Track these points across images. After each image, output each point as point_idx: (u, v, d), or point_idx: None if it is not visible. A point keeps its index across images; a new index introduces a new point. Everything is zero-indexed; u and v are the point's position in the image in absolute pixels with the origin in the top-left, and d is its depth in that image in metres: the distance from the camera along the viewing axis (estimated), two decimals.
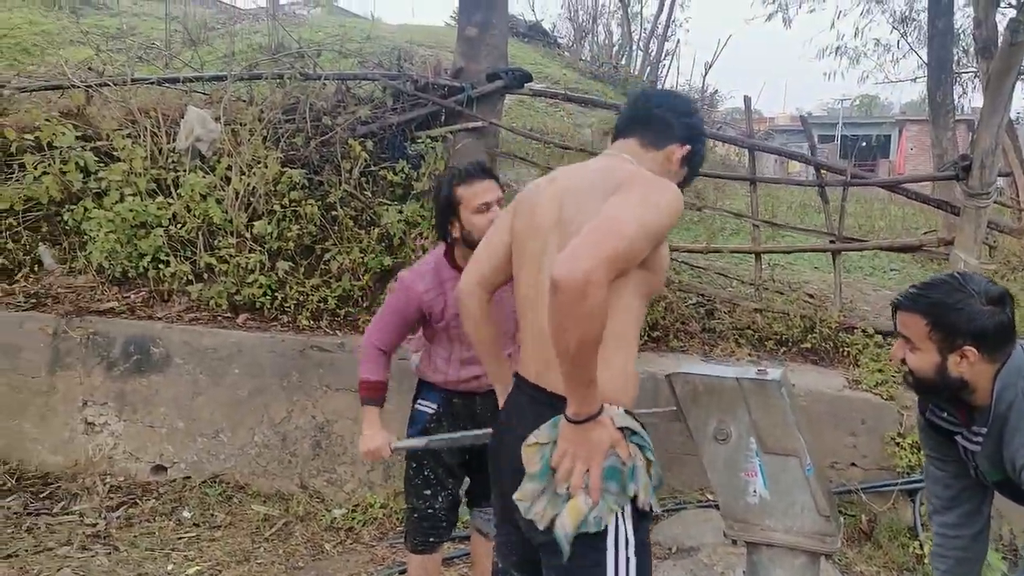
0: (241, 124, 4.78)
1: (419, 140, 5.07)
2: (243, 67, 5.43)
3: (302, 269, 4.63)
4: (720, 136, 6.85)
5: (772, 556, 2.27)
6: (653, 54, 13.01)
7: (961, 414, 1.99)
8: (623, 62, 13.28)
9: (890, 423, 4.20)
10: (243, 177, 4.59)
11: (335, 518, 3.99)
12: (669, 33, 13.93)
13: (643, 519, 1.72)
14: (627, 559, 1.67)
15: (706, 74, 18.25)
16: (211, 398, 4.23)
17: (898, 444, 4.12)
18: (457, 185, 2.51)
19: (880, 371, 4.51)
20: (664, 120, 1.85)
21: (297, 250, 4.66)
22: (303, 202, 4.60)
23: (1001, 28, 6.71)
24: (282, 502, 4.10)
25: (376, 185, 4.95)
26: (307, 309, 4.48)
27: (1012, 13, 8.37)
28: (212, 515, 3.97)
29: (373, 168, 4.92)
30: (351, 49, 5.76)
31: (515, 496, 1.70)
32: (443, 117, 5.25)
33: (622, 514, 1.67)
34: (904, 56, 21.06)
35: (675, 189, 1.68)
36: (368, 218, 4.83)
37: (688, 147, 1.85)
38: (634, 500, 1.68)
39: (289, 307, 4.52)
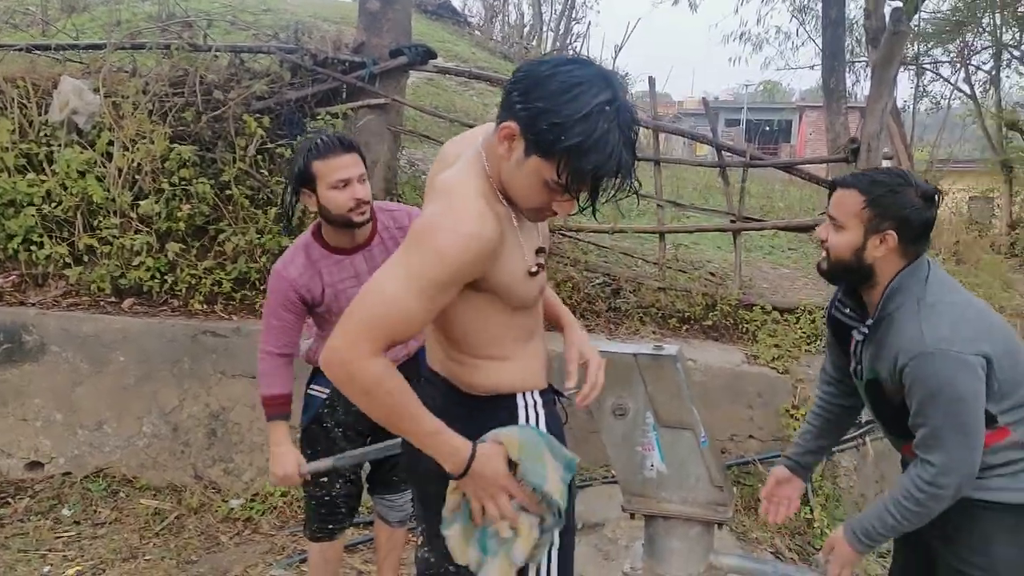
0: (124, 97, 4.48)
1: (319, 117, 4.88)
2: (125, 35, 5.10)
3: (194, 251, 4.40)
4: None
5: (668, 527, 2.31)
6: (564, 35, 13.06)
7: (859, 308, 2.06)
8: (534, 43, 13.27)
9: (784, 396, 4.35)
10: (127, 153, 4.31)
11: (232, 509, 3.83)
12: (579, 15, 14.03)
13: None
14: None
15: (616, 57, 18.46)
16: (93, 388, 3.98)
17: (792, 416, 4.26)
18: (314, 159, 2.35)
19: (777, 346, 4.66)
20: (504, 90, 1.44)
21: (188, 231, 4.42)
22: (194, 180, 4.36)
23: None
24: (174, 495, 3.91)
25: (274, 163, 4.74)
26: (200, 293, 4.26)
27: (899, 4, 8.78)
28: (95, 512, 3.75)
29: (270, 145, 4.71)
30: (246, 21, 5.50)
31: (444, 531, 1.63)
32: (344, 93, 5.08)
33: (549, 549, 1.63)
34: (803, 44, 21.93)
35: (453, 230, 1.37)
36: (265, 197, 4.63)
37: (514, 124, 1.38)
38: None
39: (180, 291, 4.28)
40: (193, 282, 4.29)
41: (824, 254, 2.01)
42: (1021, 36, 16.28)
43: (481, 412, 1.63)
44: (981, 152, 17.28)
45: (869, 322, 1.98)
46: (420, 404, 1.46)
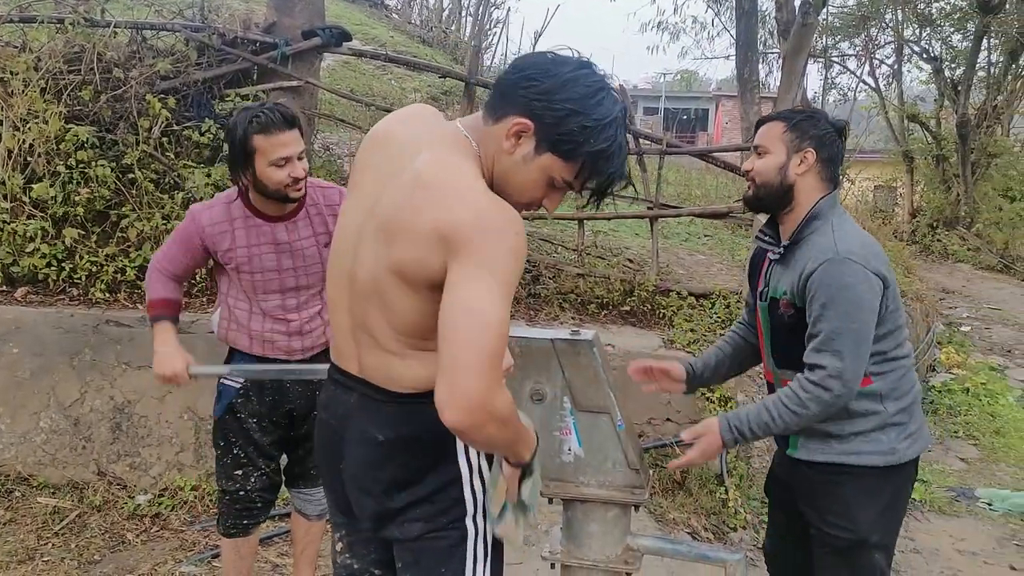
0: (12, 73, 4.20)
1: (228, 98, 4.70)
2: (13, 8, 4.78)
3: (95, 237, 4.18)
4: None
5: (586, 511, 2.31)
6: (483, 20, 12.96)
7: (777, 236, 2.17)
8: (453, 28, 13.14)
9: None
10: (17, 134, 4.06)
11: (139, 505, 3.67)
12: (499, 0, 13.95)
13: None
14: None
15: (536, 43, 18.48)
16: None
17: (708, 399, 4.36)
18: (255, 133, 2.27)
19: (692, 330, 4.77)
20: (507, 82, 1.41)
21: (88, 216, 4.19)
22: (93, 163, 4.14)
23: None
24: (75, 492, 3.71)
25: (180, 146, 4.55)
26: (102, 281, 4.05)
27: None
28: None
29: (176, 127, 4.52)
30: None
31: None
32: (255, 75, 4.91)
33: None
34: (719, 34, 22.45)
35: (505, 228, 1.31)
36: (171, 181, 4.44)
37: (527, 121, 1.36)
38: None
39: (80, 279, 4.07)
40: (94, 270, 4.07)
41: (750, 184, 2.14)
42: (920, 32, 17.08)
43: (418, 408, 1.49)
44: (885, 143, 18.11)
45: (785, 243, 2.10)
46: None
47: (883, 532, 2.11)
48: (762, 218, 2.33)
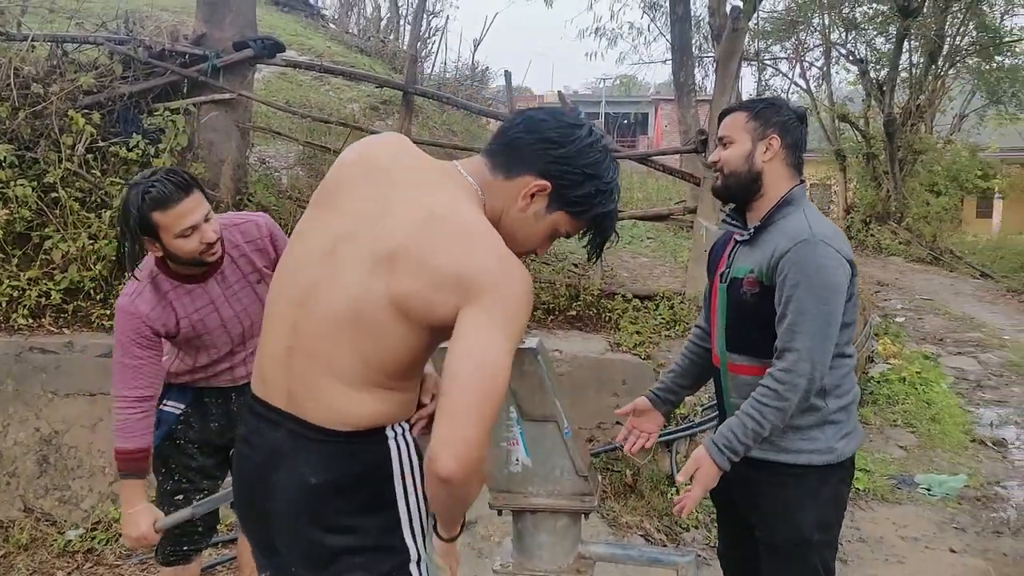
0: None
1: (157, 113, 4.56)
2: None
3: (15, 260, 3.99)
4: (482, 110, 6.91)
5: (536, 521, 2.28)
6: (422, 29, 12.86)
7: (744, 223, 2.19)
8: (391, 37, 13.03)
9: (648, 381, 4.46)
10: None
11: (70, 541, 3.50)
12: (438, 9, 13.90)
13: None
14: None
15: (475, 51, 18.52)
16: None
17: None
18: (151, 210, 2.09)
19: (638, 332, 4.79)
20: (522, 142, 1.46)
21: (8, 238, 4.01)
22: (12, 182, 3.96)
23: None
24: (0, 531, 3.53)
25: (107, 163, 4.39)
26: (24, 306, 3.87)
27: (739, 3, 9.25)
28: None
29: (102, 144, 4.36)
30: (69, 8, 5.05)
31: None
32: (185, 88, 4.76)
33: None
34: (655, 39, 22.79)
35: (524, 282, 1.33)
36: (99, 200, 4.28)
37: (546, 183, 1.44)
38: None
39: (0, 305, 3.88)
40: (16, 295, 3.89)
41: (718, 175, 2.16)
42: (846, 35, 17.63)
43: (358, 449, 1.44)
44: (819, 143, 18.62)
45: (756, 224, 2.11)
46: None
47: (825, 530, 2.12)
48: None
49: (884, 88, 16.34)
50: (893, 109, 16.16)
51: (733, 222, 2.22)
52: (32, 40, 4.47)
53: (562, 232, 1.51)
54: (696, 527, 4.02)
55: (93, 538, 3.53)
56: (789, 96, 20.30)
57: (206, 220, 2.19)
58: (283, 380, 1.46)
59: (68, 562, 3.41)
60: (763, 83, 19.43)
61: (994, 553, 4.00)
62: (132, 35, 4.70)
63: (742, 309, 2.09)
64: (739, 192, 2.15)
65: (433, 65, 12.77)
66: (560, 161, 1.44)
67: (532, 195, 1.45)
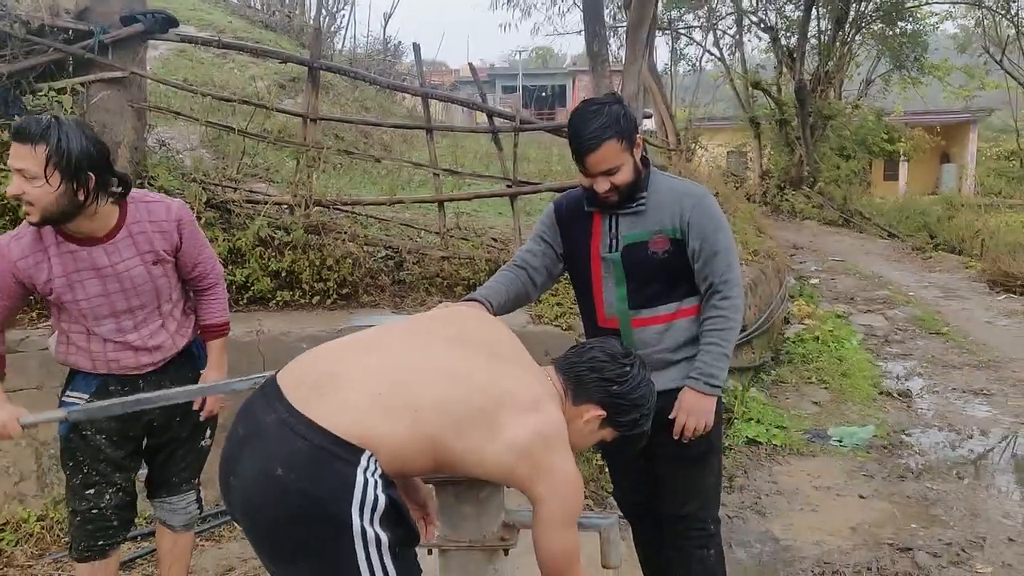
0: None
1: (41, 93, 4.29)
2: None
3: None
4: (393, 84, 6.78)
5: (457, 493, 2.27)
6: (330, 3, 12.53)
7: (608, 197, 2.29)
8: (296, 12, 12.62)
9: None
10: None
11: None
12: None
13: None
14: None
15: (386, 25, 18.24)
16: None
17: None
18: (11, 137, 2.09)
19: (559, 304, 4.81)
20: (586, 379, 1.87)
21: None
22: None
23: None
24: None
25: None
26: None
27: None
28: None
29: None
30: None
31: None
32: (71, 66, 4.49)
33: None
34: (569, 10, 22.76)
35: (575, 481, 1.72)
36: None
37: (603, 412, 1.86)
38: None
39: None
40: None
41: (609, 195, 2.25)
42: (757, 3, 18.00)
43: (331, 460, 1.51)
44: (734, 110, 19.03)
45: (642, 197, 2.29)
46: None
47: (719, 437, 2.50)
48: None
49: (795, 55, 16.80)
50: (804, 76, 16.64)
51: (597, 201, 2.31)
52: None
53: (607, 439, 1.91)
54: None
55: (1, 539, 3.36)
56: (703, 65, 20.65)
57: (24, 176, 2.07)
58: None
59: None
60: (677, 52, 19.69)
61: (899, 496, 4.21)
62: (6, 9, 4.39)
63: (648, 268, 2.31)
64: (634, 194, 2.29)
65: (343, 40, 12.48)
66: (616, 396, 1.86)
67: (592, 420, 1.86)
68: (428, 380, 1.63)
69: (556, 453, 1.70)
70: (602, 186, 2.23)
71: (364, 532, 1.51)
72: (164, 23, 4.64)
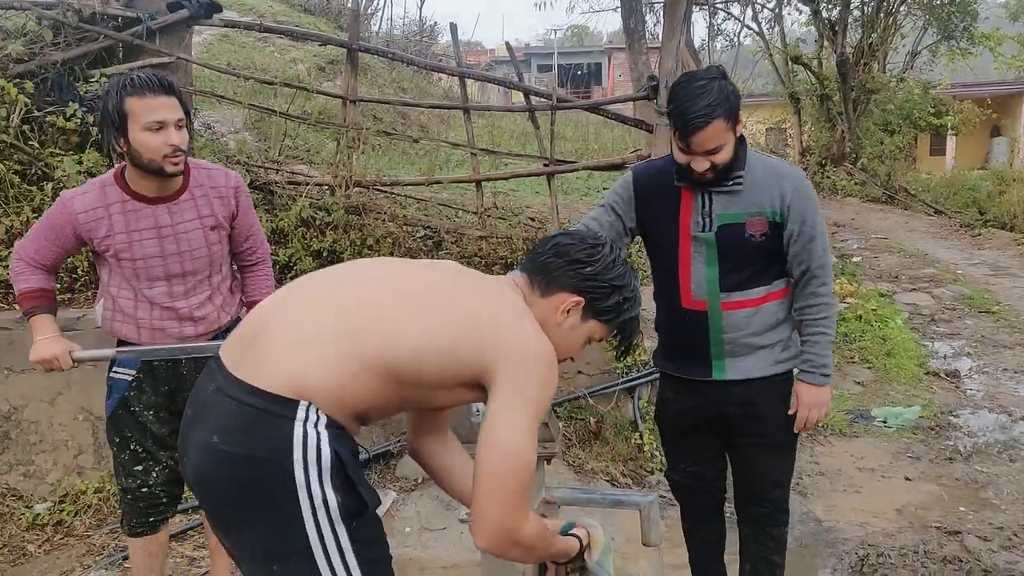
0: None
1: (93, 79, 4.42)
2: None
3: None
4: (430, 65, 6.81)
5: None
6: None
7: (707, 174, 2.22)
8: None
9: None
10: None
11: (38, 514, 3.48)
12: None
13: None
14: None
15: (422, 6, 18.19)
16: None
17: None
18: (128, 96, 2.15)
19: None
20: (554, 265, 1.64)
21: None
22: None
23: None
24: None
25: (44, 133, 4.26)
26: None
27: None
28: None
29: (38, 114, 4.22)
30: None
31: None
32: (121, 53, 4.61)
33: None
34: None
35: (550, 358, 1.49)
36: (39, 171, 4.16)
37: (580, 298, 1.61)
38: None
39: None
40: None
41: (706, 173, 2.18)
42: None
43: (266, 418, 1.39)
44: (773, 86, 18.64)
45: (739, 176, 2.22)
46: (548, 530, 1.61)
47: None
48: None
49: (836, 28, 16.37)
50: (846, 49, 16.22)
51: (691, 177, 2.23)
52: None
53: (595, 337, 1.69)
54: (661, 470, 4.11)
55: (62, 510, 3.51)
56: (741, 40, 20.28)
57: (177, 126, 2.22)
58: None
59: (38, 535, 3.39)
60: (714, 27, 19.36)
61: (947, 478, 4.16)
62: None
63: (744, 250, 2.24)
64: (727, 173, 2.22)
65: (380, 22, 12.52)
66: (590, 278, 1.63)
67: (568, 310, 1.62)
68: (353, 305, 1.46)
69: (521, 319, 1.52)
70: (701, 165, 2.16)
71: (310, 489, 1.37)
72: (209, 9, 4.73)
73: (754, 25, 19.16)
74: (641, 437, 4.24)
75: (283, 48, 8.59)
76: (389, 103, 6.62)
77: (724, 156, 2.16)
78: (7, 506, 3.53)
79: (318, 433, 1.38)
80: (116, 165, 2.34)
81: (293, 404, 1.37)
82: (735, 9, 19.54)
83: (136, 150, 2.19)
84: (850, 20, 16.69)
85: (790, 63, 17.98)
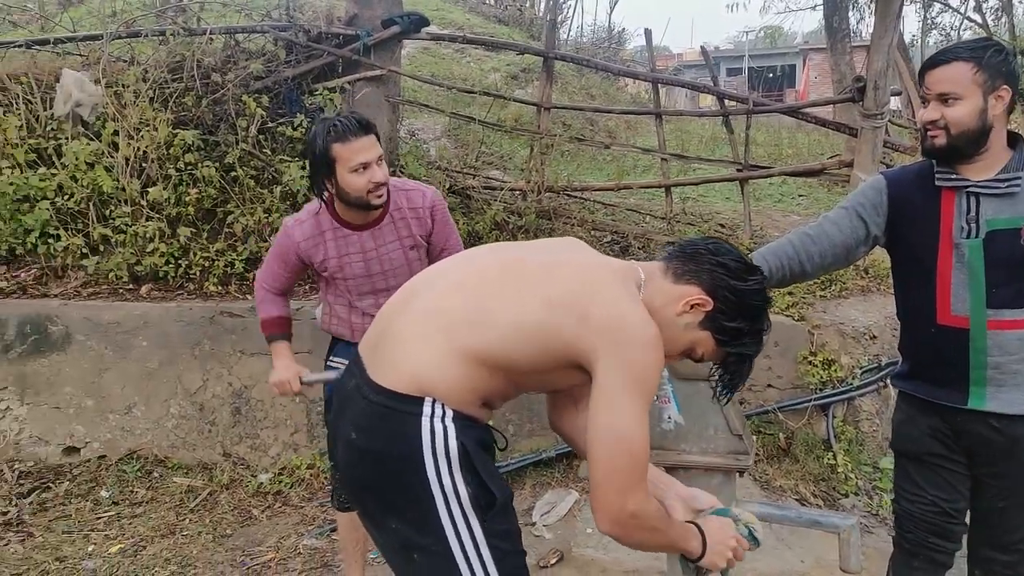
0: (124, 86, 4.50)
1: (317, 93, 4.88)
2: (121, 25, 5.10)
3: (205, 234, 4.45)
4: (623, 71, 6.85)
5: (689, 478, 2.32)
6: None
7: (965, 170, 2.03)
8: (527, 4, 13.07)
9: (801, 343, 4.34)
10: (132, 142, 4.35)
11: (262, 483, 3.92)
12: None
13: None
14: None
15: (611, 13, 18.25)
16: (120, 373, 4.06)
17: (810, 362, 4.26)
18: (333, 142, 2.38)
19: (791, 293, 4.65)
20: (703, 258, 1.56)
21: (198, 215, 4.47)
22: (199, 164, 4.40)
23: None
24: (205, 472, 4.01)
25: (275, 142, 4.76)
26: (214, 275, 4.32)
27: None
28: (132, 492, 3.85)
29: (271, 125, 4.73)
30: (239, 2, 5.47)
31: None
32: (340, 67, 5.06)
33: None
34: None
35: (655, 341, 1.43)
36: (270, 176, 4.66)
37: (710, 300, 1.52)
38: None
39: (195, 274, 4.35)
40: (207, 264, 4.35)
41: (936, 134, 1.99)
42: None
43: (392, 415, 1.49)
44: None
45: (1016, 179, 1.97)
46: (665, 512, 1.57)
47: None
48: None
49: None
50: None
51: (952, 176, 2.04)
52: (210, 34, 4.89)
53: (699, 352, 1.58)
54: (856, 493, 3.90)
55: (280, 481, 3.93)
56: (960, 34, 18.54)
57: (378, 163, 2.43)
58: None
59: (261, 501, 3.82)
60: (928, 21, 17.85)
61: None
62: (293, 21, 5.03)
63: (1018, 261, 1.96)
64: (966, 150, 1.99)
65: (569, 30, 12.73)
66: (729, 290, 1.53)
67: (693, 305, 1.52)
68: (456, 301, 1.52)
69: (629, 302, 1.46)
70: (931, 114, 1.96)
71: (441, 481, 1.44)
72: (418, 23, 5.07)
73: (977, 17, 17.42)
74: (835, 457, 4.04)
75: (479, 58, 8.99)
76: (582, 109, 6.74)
77: (960, 113, 1.92)
78: (238, 474, 4.00)
79: (445, 427, 1.45)
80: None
81: (419, 401, 1.46)
82: (954, 0, 17.88)
83: (344, 189, 2.43)
84: None
85: (1020, 57, 16.20)
